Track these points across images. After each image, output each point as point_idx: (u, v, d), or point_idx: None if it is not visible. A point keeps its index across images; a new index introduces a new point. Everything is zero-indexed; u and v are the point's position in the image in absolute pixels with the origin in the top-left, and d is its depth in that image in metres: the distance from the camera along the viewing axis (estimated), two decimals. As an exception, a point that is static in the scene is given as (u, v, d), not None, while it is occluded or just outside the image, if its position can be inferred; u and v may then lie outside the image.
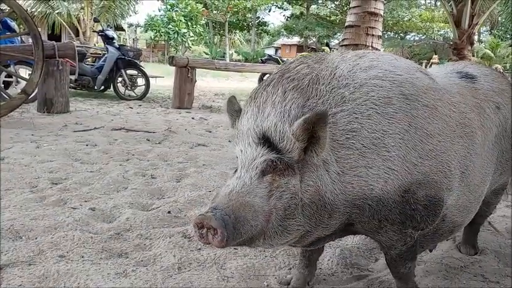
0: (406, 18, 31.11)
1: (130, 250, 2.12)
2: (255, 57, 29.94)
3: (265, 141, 1.34)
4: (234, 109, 1.51)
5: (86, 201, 2.76)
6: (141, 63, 9.73)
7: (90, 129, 5.32)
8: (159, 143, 4.87)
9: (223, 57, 29.96)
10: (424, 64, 22.07)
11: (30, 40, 5.56)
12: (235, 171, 1.40)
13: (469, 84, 1.81)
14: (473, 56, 13.78)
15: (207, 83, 14.42)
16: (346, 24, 6.94)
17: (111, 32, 9.21)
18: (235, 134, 1.44)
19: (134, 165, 3.77)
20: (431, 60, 20.26)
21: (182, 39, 27.12)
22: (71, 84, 7.88)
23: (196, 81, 8.50)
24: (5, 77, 7.19)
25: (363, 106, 1.39)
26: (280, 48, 39.93)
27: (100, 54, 10.21)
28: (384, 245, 1.58)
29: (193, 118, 7.11)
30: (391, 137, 1.39)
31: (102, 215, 2.55)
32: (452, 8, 10.47)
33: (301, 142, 1.30)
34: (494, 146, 1.79)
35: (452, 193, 1.56)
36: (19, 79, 6.83)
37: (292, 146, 1.31)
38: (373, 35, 6.51)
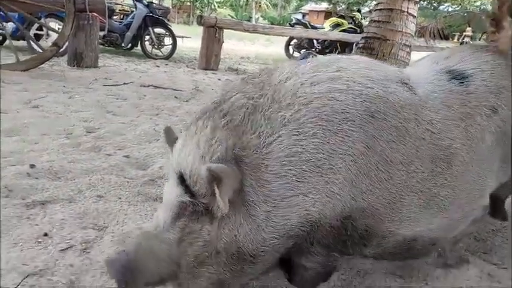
0: (440, -12, 29.84)
1: (165, 195, 2.18)
2: (281, 22, 29.36)
3: (183, 181, 1.22)
4: (171, 139, 1.39)
5: (119, 149, 2.83)
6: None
7: (120, 84, 5.37)
8: (186, 101, 4.89)
9: (249, 21, 29.50)
10: (456, 37, 21.29)
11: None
12: None
13: (460, 88, 1.57)
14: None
15: (232, 45, 14.26)
16: (381, -13, 6.69)
17: (140, -11, 9.10)
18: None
19: (164, 119, 3.82)
20: (464, 33, 19.50)
21: (208, 0, 26.70)
22: (99, 41, 7.90)
23: (223, 41, 8.41)
24: (36, 29, 7.25)
25: (307, 125, 1.23)
26: (307, 14, 38.99)
27: (128, 11, 10.16)
28: (303, 267, 1.44)
29: (219, 79, 7.09)
30: (340, 158, 1.24)
31: (136, 162, 2.61)
32: (493, -24, 9.96)
33: (212, 189, 1.16)
34: (493, 154, 1.59)
35: (409, 222, 1.42)
36: (50, 32, 6.89)
37: (205, 192, 1.19)
38: (409, 0, 6.27)
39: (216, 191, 1.14)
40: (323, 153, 1.23)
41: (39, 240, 1.64)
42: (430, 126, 1.42)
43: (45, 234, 1.68)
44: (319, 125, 1.24)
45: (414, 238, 1.51)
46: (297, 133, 1.22)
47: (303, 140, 1.22)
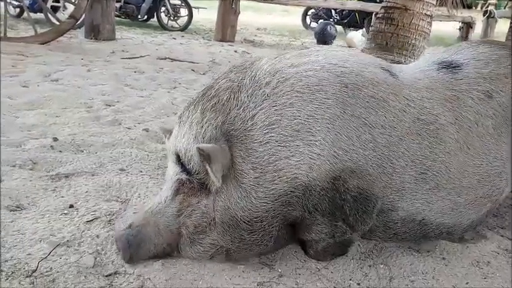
0: (465, -47, 28.56)
1: (184, 169, 2.22)
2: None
3: (179, 161, 1.40)
4: (167, 131, 1.55)
5: (139, 123, 2.87)
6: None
7: (137, 57, 5.38)
8: (203, 73, 4.89)
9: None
10: (480, 6, 20.50)
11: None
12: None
13: (447, 75, 1.66)
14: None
15: (248, 17, 14.05)
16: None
17: (155, -41, 8.96)
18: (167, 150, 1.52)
19: (181, 93, 3.84)
20: (488, 2, 18.78)
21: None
22: (116, 13, 7.88)
23: (239, 12, 8.29)
24: (53, 1, 7.26)
25: (284, 97, 1.38)
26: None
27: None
28: (313, 240, 1.52)
29: (236, 51, 7.04)
30: (317, 122, 1.37)
31: (155, 136, 2.65)
32: None
33: (205, 167, 1.31)
34: (497, 138, 1.61)
35: (406, 195, 1.49)
36: (66, 4, 6.89)
37: (199, 169, 1.35)
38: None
39: (208, 168, 1.28)
40: (299, 119, 1.37)
41: (65, 211, 1.70)
42: (411, 103, 1.52)
43: (71, 206, 1.74)
44: (295, 96, 1.39)
45: (423, 221, 1.56)
46: (274, 105, 1.37)
47: (280, 110, 1.37)
